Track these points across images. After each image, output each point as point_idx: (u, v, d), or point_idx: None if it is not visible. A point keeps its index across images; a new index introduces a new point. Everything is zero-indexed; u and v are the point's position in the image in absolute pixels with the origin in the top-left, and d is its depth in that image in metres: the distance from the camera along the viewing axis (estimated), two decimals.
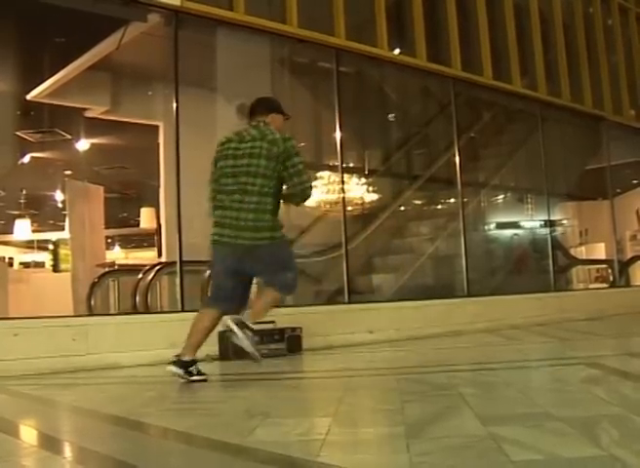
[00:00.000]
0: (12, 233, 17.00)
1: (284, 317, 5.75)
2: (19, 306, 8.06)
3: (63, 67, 8.14)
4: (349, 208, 8.49)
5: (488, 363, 5.08)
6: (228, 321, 4.11)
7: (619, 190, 13.55)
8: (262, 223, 4.19)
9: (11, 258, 17.32)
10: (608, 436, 2.33)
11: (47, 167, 13.03)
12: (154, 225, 12.29)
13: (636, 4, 12.23)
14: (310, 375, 4.38)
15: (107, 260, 9.88)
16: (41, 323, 5.33)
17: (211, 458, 2.37)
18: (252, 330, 4.16)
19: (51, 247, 15.26)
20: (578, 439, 2.32)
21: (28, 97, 8.67)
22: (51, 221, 17.81)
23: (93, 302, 7.78)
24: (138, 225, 15.82)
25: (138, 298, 7.32)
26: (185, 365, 4.18)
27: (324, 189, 8.85)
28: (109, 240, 15.67)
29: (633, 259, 12.56)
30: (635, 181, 15.01)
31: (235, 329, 4.08)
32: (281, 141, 4.23)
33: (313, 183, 4.55)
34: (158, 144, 8.56)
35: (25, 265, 17.65)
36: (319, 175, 8.81)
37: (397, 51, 8.60)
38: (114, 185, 13.67)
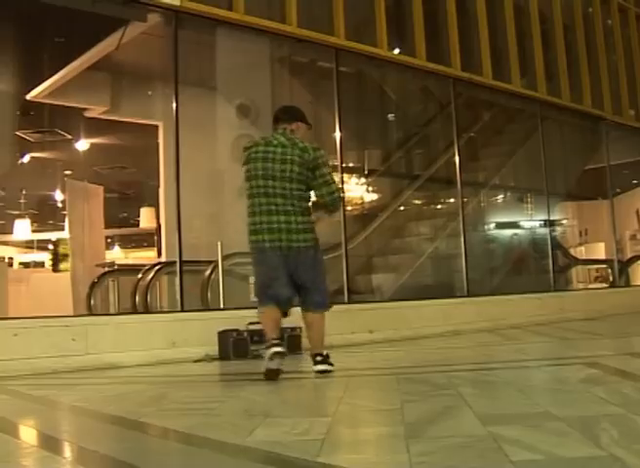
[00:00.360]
0: (12, 233, 16.99)
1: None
2: (18, 306, 8.06)
3: (63, 67, 8.14)
4: (349, 207, 8.49)
5: (488, 363, 5.08)
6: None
7: (618, 190, 13.55)
8: (303, 225, 4.33)
9: (11, 258, 17.30)
10: (608, 436, 2.33)
11: (47, 167, 13.03)
12: (154, 225, 12.30)
13: (636, 4, 12.23)
14: (310, 375, 4.38)
15: (107, 260, 9.87)
16: (40, 323, 5.32)
17: (210, 458, 2.36)
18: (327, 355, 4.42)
19: (51, 247, 15.27)
20: (578, 439, 2.31)
21: (28, 96, 8.67)
22: (51, 221, 17.82)
23: (92, 302, 7.79)
24: (137, 225, 15.83)
25: (137, 298, 7.32)
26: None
27: None
28: (109, 240, 15.67)
29: (633, 259, 12.56)
30: (635, 181, 15.01)
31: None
32: (311, 150, 4.37)
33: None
34: (158, 144, 8.56)
35: (25, 265, 17.63)
36: None
37: (397, 51, 8.59)
38: (114, 185, 13.68)
